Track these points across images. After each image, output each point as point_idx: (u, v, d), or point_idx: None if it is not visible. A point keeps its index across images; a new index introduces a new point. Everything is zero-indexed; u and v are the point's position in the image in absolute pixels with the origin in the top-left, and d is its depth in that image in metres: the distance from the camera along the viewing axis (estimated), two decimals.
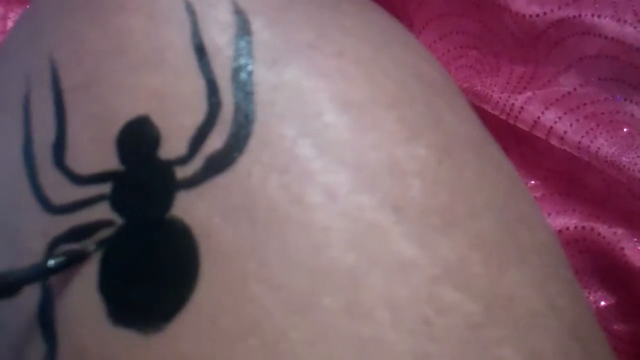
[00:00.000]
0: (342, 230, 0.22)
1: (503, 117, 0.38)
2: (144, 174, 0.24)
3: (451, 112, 0.26)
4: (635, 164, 0.36)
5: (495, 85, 0.39)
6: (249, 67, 0.24)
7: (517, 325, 0.22)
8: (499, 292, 0.22)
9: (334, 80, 0.24)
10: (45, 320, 0.24)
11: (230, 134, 0.23)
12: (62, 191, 0.24)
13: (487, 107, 0.39)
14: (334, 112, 0.24)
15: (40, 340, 0.23)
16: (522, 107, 0.38)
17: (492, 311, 0.22)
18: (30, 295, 0.24)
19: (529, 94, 0.38)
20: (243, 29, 0.25)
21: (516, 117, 0.38)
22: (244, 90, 0.23)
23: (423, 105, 0.25)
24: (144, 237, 0.23)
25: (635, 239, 0.37)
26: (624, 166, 0.36)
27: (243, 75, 0.24)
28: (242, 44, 0.24)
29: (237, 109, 0.23)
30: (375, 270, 0.22)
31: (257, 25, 0.25)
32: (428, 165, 0.24)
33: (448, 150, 0.24)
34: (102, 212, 0.24)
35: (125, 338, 0.22)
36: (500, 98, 0.39)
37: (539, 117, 0.38)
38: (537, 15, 0.38)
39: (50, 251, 0.24)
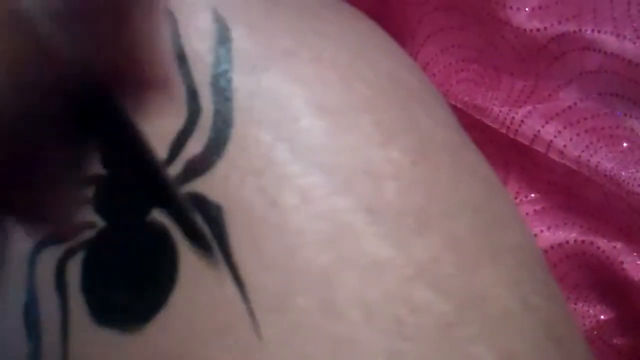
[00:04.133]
0: (317, 231, 0.23)
1: (503, 130, 0.39)
2: (125, 178, 0.24)
3: (427, 116, 0.27)
4: (635, 178, 0.36)
5: (495, 99, 0.39)
6: (228, 74, 0.24)
7: (489, 324, 0.23)
8: (472, 292, 0.23)
9: (311, 86, 0.25)
10: (30, 320, 0.24)
11: (209, 139, 0.24)
12: None
13: (488, 121, 0.39)
14: (310, 117, 0.24)
15: (25, 340, 0.24)
16: (522, 121, 0.38)
17: (465, 310, 0.22)
18: (16, 296, 0.24)
19: (529, 107, 0.38)
20: (223, 36, 0.25)
21: (516, 130, 0.38)
22: (223, 96, 0.24)
23: (399, 109, 0.26)
24: (124, 239, 0.24)
25: (635, 253, 0.37)
26: (624, 181, 0.36)
27: (222, 82, 0.24)
28: (222, 51, 0.25)
29: (216, 114, 0.24)
30: (349, 271, 0.22)
31: (237, 32, 0.25)
32: (403, 168, 0.24)
33: (423, 153, 0.25)
34: (85, 214, 0.24)
35: (107, 337, 0.23)
36: (500, 111, 0.39)
37: (539, 131, 0.38)
38: (538, 30, 0.38)
39: (35, 252, 0.24)
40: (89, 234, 0.24)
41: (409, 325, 0.22)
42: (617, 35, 0.37)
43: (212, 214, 0.23)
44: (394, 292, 0.22)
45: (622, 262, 0.37)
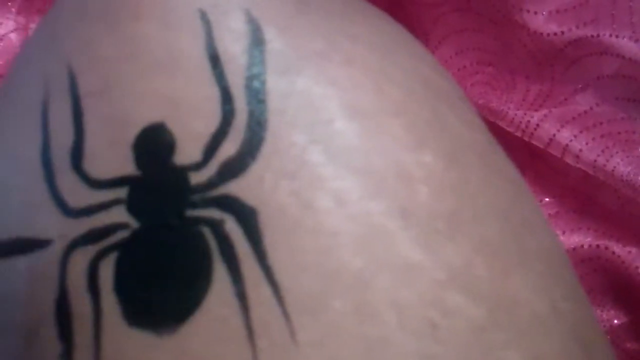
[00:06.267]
0: (351, 234, 0.23)
1: (518, 134, 0.39)
2: (159, 179, 0.24)
3: (457, 118, 0.27)
4: None
5: (511, 102, 0.39)
6: (262, 76, 0.24)
7: (520, 328, 0.23)
8: (503, 296, 0.23)
9: (343, 88, 0.25)
10: (62, 319, 0.24)
11: (243, 141, 0.24)
12: (79, 194, 0.25)
13: (503, 124, 0.39)
14: (344, 119, 0.24)
15: (56, 340, 0.24)
16: (537, 125, 0.38)
17: (496, 315, 0.22)
18: (47, 293, 0.24)
19: (544, 111, 0.39)
20: (256, 38, 0.25)
21: (531, 134, 0.38)
22: (257, 98, 0.24)
23: (429, 112, 0.26)
24: (158, 240, 0.24)
25: None
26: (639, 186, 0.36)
27: (256, 84, 0.24)
28: (256, 52, 0.25)
29: (250, 116, 0.24)
30: (383, 274, 0.22)
31: (269, 34, 0.25)
32: (434, 171, 0.24)
33: (454, 156, 0.25)
34: (119, 215, 0.24)
35: (140, 339, 0.23)
36: (515, 115, 0.39)
37: (554, 135, 0.38)
38: (555, 34, 0.38)
39: (68, 253, 0.24)
40: (122, 234, 0.24)
41: (441, 328, 0.22)
42: (636, 40, 0.37)
43: (246, 216, 0.23)
44: (427, 295, 0.22)
45: (637, 267, 0.37)
